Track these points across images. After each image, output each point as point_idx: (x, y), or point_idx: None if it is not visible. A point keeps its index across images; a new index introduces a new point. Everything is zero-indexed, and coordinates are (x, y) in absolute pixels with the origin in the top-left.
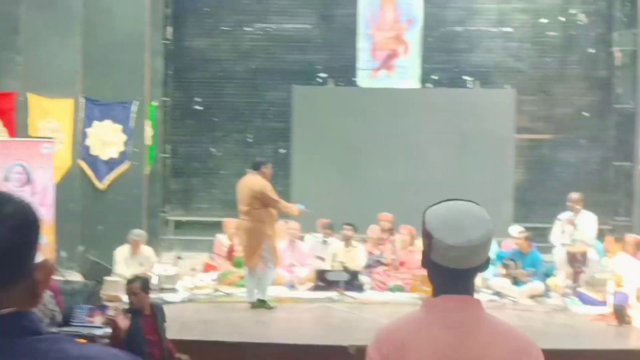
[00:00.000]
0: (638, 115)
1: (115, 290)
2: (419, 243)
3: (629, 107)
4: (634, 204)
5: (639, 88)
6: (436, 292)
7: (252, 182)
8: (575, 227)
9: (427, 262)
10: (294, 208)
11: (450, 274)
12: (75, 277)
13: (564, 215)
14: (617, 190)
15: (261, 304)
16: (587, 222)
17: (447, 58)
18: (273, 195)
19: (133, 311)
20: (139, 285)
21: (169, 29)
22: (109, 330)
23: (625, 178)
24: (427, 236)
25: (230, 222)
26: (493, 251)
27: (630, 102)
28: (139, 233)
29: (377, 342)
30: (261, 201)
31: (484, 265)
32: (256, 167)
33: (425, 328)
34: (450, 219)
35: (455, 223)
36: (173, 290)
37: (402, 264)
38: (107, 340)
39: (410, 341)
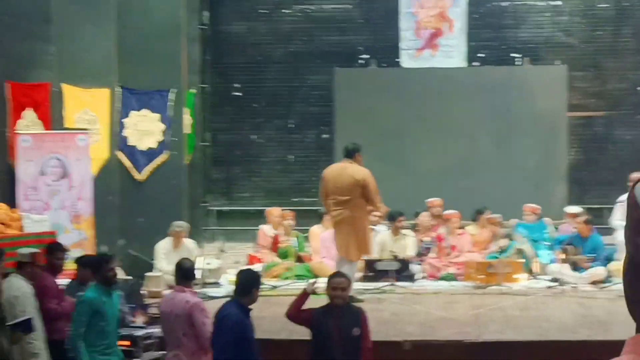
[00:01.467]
0: None
1: (157, 286)
2: (469, 228)
3: None
4: None
5: None
6: None
7: (353, 170)
8: None
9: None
10: (385, 208)
11: None
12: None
13: (625, 197)
14: None
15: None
16: None
17: (493, 35)
18: (376, 186)
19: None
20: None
21: (205, 14)
22: (151, 330)
23: None
24: None
25: (274, 211)
26: (551, 235)
27: None
28: (180, 224)
29: None
30: (363, 190)
31: None
32: (350, 154)
33: None
34: None
35: None
36: (217, 284)
37: (453, 248)
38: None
39: None
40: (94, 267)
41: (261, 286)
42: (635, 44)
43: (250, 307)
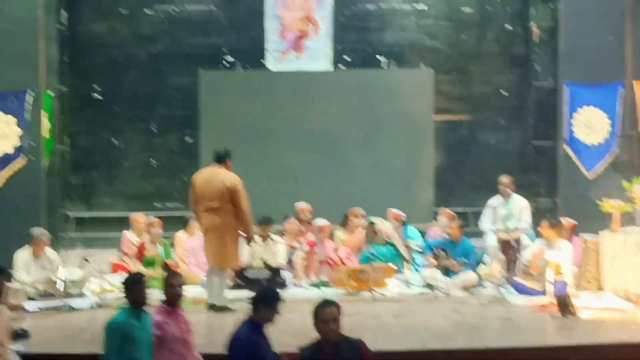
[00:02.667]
0: (558, 92)
1: (16, 299)
2: (337, 232)
3: (548, 85)
4: (558, 185)
5: (558, 65)
6: None
7: (223, 175)
8: (508, 212)
9: None
10: (252, 232)
11: None
12: None
13: (494, 200)
14: (538, 171)
15: (219, 308)
16: (519, 206)
17: (359, 38)
18: (245, 195)
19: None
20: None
21: (64, 13)
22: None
23: (546, 158)
24: None
25: (139, 217)
26: (419, 240)
27: (549, 79)
28: (42, 232)
29: None
30: (233, 197)
31: None
32: (220, 159)
33: None
34: None
35: None
36: (80, 295)
37: (329, 261)
38: None
39: None
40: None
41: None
42: (497, 48)
43: (265, 324)
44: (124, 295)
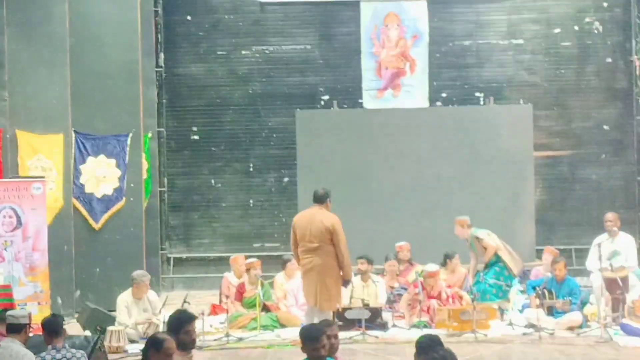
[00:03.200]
0: None
1: (118, 341)
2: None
3: None
4: None
5: None
6: None
7: (323, 216)
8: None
9: None
10: (351, 274)
11: None
12: (74, 326)
13: (601, 238)
14: None
15: None
16: (626, 244)
17: (456, 74)
18: (344, 236)
19: None
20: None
21: (162, 56)
22: None
23: None
24: None
25: (239, 259)
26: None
27: None
28: (141, 274)
29: None
30: (332, 237)
31: None
32: (320, 199)
33: None
34: None
35: None
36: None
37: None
38: None
39: None
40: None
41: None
42: (598, 82)
43: None
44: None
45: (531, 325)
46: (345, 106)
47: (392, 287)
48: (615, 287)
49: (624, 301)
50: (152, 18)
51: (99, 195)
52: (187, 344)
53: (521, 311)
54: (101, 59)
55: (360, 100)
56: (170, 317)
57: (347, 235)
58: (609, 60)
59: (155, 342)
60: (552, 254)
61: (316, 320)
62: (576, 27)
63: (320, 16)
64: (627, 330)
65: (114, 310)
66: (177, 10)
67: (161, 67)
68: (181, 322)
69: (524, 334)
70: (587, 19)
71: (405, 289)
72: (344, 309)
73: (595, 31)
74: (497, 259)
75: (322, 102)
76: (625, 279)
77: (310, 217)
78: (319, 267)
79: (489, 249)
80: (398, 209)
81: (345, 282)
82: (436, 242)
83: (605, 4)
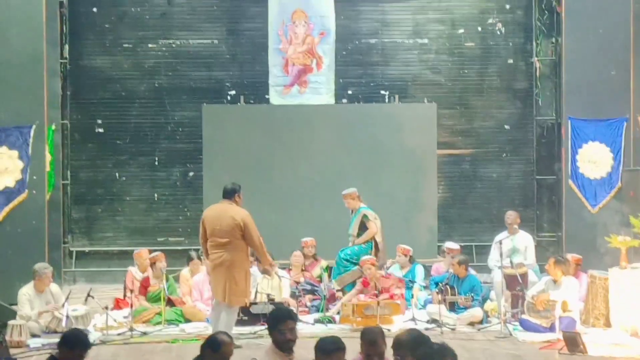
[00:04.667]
0: (560, 127)
1: (20, 336)
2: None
3: (551, 119)
4: (561, 220)
5: (560, 99)
6: None
7: (233, 211)
8: (513, 247)
9: None
10: (270, 260)
11: None
12: None
13: (501, 236)
14: (541, 205)
15: None
16: (525, 241)
17: (362, 72)
18: (255, 228)
19: None
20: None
21: (67, 47)
22: None
23: (549, 192)
24: None
25: (143, 253)
26: (420, 275)
27: (551, 114)
28: (44, 267)
29: None
30: (243, 233)
31: None
32: (229, 194)
33: None
34: None
35: None
36: (85, 331)
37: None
38: None
39: None
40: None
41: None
42: (500, 82)
43: None
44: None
45: (433, 321)
46: (251, 102)
47: (297, 282)
48: (515, 283)
49: (523, 297)
50: (58, 9)
51: (0, 187)
52: (281, 344)
53: (423, 306)
54: (5, 49)
55: (267, 96)
56: (270, 313)
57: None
58: (511, 61)
59: (214, 343)
60: (453, 251)
61: (223, 315)
62: (479, 28)
63: (228, 11)
64: (526, 326)
65: (15, 304)
66: (82, 1)
67: (66, 58)
68: (276, 320)
69: (427, 329)
70: (490, 20)
71: (311, 284)
72: (250, 304)
73: (498, 32)
74: (370, 245)
75: (229, 97)
76: (524, 276)
77: (220, 212)
78: (228, 262)
79: (370, 230)
80: (303, 205)
81: (266, 270)
82: (341, 237)
83: (507, 6)
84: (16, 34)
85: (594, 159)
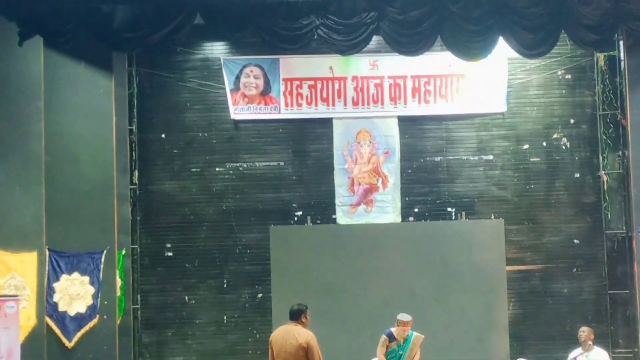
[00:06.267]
0: (632, 240)
1: None
2: None
3: (621, 232)
4: (637, 334)
5: (630, 212)
6: None
7: (297, 332)
8: None
9: None
10: None
11: None
12: None
13: (575, 353)
14: (615, 321)
15: None
16: (601, 358)
17: (427, 189)
18: (319, 350)
19: None
20: None
21: (136, 173)
22: None
23: (622, 307)
24: None
25: None
26: None
27: (621, 227)
28: None
29: None
30: (306, 354)
31: None
32: (295, 316)
33: None
34: None
35: None
36: None
37: None
38: None
39: None
40: None
41: None
42: (567, 197)
43: None
44: None
45: None
46: (318, 222)
47: None
48: None
49: None
50: (127, 136)
51: (72, 313)
52: None
53: None
54: (76, 177)
55: (333, 216)
56: None
57: (323, 352)
58: (577, 175)
59: None
60: None
61: None
62: (544, 143)
63: (293, 133)
64: None
65: None
66: (151, 128)
67: (135, 184)
68: None
69: None
70: (555, 135)
71: None
72: None
73: (563, 147)
74: None
75: (296, 218)
76: None
77: (286, 334)
78: None
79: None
80: (372, 325)
81: None
82: None
83: (572, 121)
84: (87, 162)
85: None
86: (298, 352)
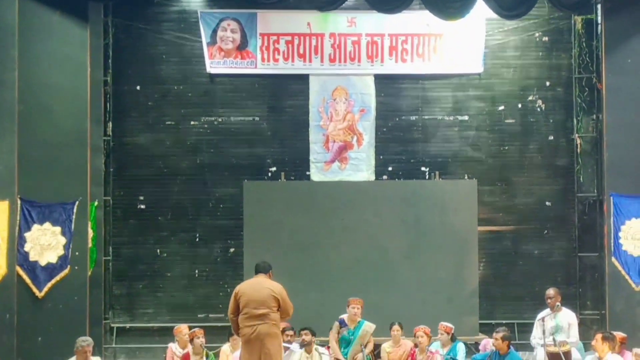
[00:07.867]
0: (602, 204)
1: None
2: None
3: (592, 196)
4: (604, 297)
5: (602, 176)
6: None
7: (269, 283)
8: (556, 325)
9: None
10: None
11: None
12: None
13: (543, 313)
14: (583, 283)
15: None
16: (568, 319)
17: (402, 149)
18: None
19: None
20: None
21: (110, 125)
22: None
23: (591, 269)
24: None
25: (182, 329)
26: (462, 353)
27: (593, 191)
28: (86, 339)
29: None
30: (280, 304)
31: None
32: (266, 269)
33: None
34: None
35: None
36: None
37: None
38: None
39: None
40: None
41: None
42: (541, 159)
43: None
44: None
45: None
46: (292, 178)
47: (336, 359)
48: None
49: None
50: (102, 87)
51: (43, 263)
52: None
53: None
54: (50, 127)
55: (307, 173)
56: None
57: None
58: (551, 137)
59: None
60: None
61: None
62: (520, 105)
63: (269, 88)
64: None
65: None
66: (126, 80)
67: (109, 135)
68: None
69: None
70: (530, 97)
71: None
72: None
73: (538, 109)
74: None
75: (270, 174)
76: (568, 354)
77: (255, 285)
78: (264, 334)
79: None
80: (343, 281)
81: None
82: (382, 315)
83: (547, 83)
84: (61, 112)
85: (637, 236)
86: (271, 301)
